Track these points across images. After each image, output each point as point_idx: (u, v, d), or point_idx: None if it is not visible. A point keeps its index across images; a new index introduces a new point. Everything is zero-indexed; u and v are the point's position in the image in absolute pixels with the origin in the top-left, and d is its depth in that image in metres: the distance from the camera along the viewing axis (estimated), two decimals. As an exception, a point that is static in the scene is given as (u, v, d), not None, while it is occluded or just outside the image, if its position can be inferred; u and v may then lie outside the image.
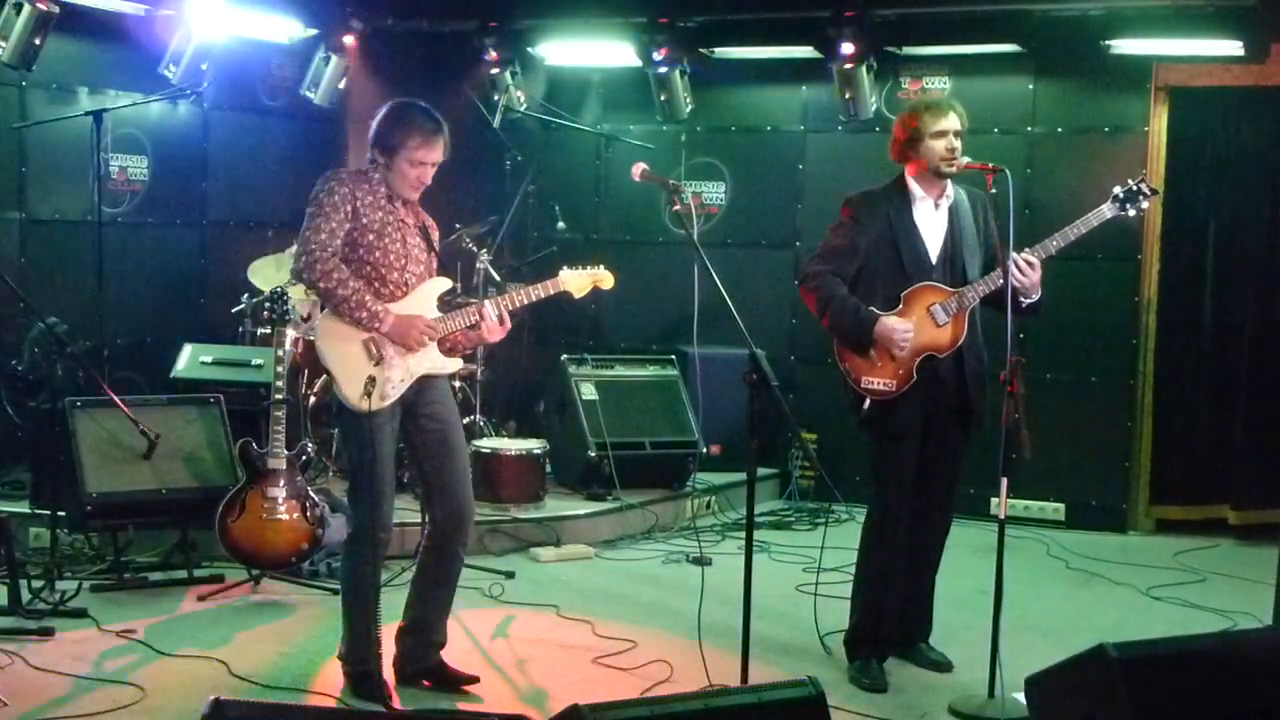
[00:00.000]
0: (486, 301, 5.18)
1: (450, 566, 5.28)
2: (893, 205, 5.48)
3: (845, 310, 5.38)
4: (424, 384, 5.13)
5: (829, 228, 5.64)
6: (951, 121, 5.38)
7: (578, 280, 5.38)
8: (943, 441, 5.57)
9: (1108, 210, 5.44)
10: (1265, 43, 7.94)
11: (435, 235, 5.30)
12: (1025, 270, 5.31)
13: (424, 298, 5.16)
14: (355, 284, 4.96)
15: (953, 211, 5.51)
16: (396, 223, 5.09)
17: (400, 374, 5.06)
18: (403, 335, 5.02)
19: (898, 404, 5.42)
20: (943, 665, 5.73)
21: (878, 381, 5.40)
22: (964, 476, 5.77)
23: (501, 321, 5.15)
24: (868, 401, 5.44)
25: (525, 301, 5.25)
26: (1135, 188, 5.44)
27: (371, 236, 5.02)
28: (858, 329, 5.36)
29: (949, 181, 5.51)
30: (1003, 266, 5.33)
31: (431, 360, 5.14)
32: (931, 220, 5.49)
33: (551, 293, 5.32)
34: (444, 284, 5.25)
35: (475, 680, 5.29)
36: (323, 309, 5.10)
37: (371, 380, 4.93)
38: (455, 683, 5.28)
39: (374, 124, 5.12)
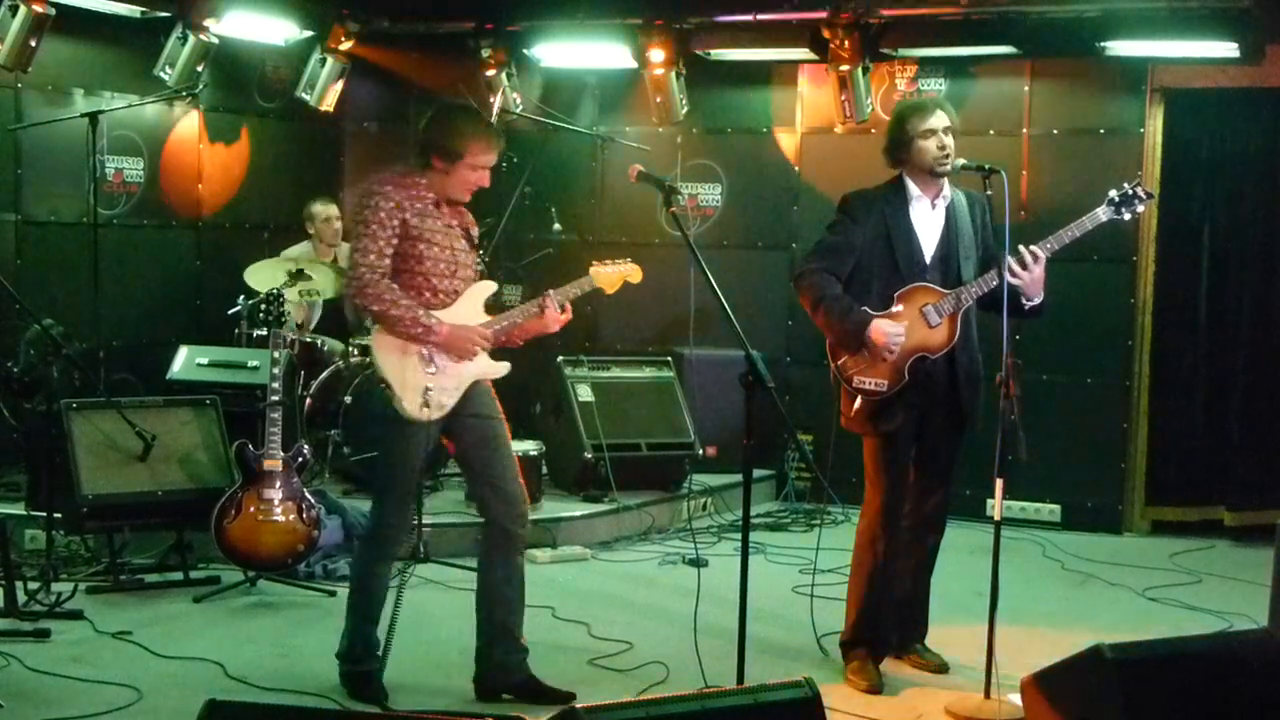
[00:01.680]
0: (550, 293, 5.19)
1: (515, 561, 5.25)
2: (889, 205, 5.46)
3: (838, 310, 5.37)
4: (470, 387, 5.15)
5: (826, 226, 5.63)
6: (939, 119, 5.37)
7: (609, 277, 5.38)
8: (937, 443, 5.57)
9: (1102, 214, 5.41)
10: (1261, 45, 7.95)
11: (475, 233, 5.28)
12: (1029, 265, 5.30)
13: (473, 303, 5.17)
14: (407, 301, 4.96)
15: (950, 212, 5.48)
16: (444, 228, 5.08)
17: (454, 381, 5.08)
18: (458, 346, 5.04)
19: (889, 404, 5.41)
20: (939, 666, 5.73)
21: (870, 381, 5.40)
22: (959, 478, 5.78)
23: (563, 310, 5.20)
24: (859, 401, 5.44)
25: (566, 299, 5.25)
26: (1131, 191, 5.41)
27: (422, 246, 5.01)
28: (850, 329, 5.34)
29: (945, 182, 5.50)
30: (999, 268, 5.32)
31: (482, 366, 5.17)
32: (928, 220, 5.47)
33: (587, 290, 5.32)
34: (490, 287, 5.25)
35: (572, 696, 5.14)
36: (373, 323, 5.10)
37: (428, 390, 4.97)
38: (550, 699, 5.12)
39: (427, 129, 5.07)
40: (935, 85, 8.84)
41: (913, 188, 5.49)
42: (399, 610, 5.25)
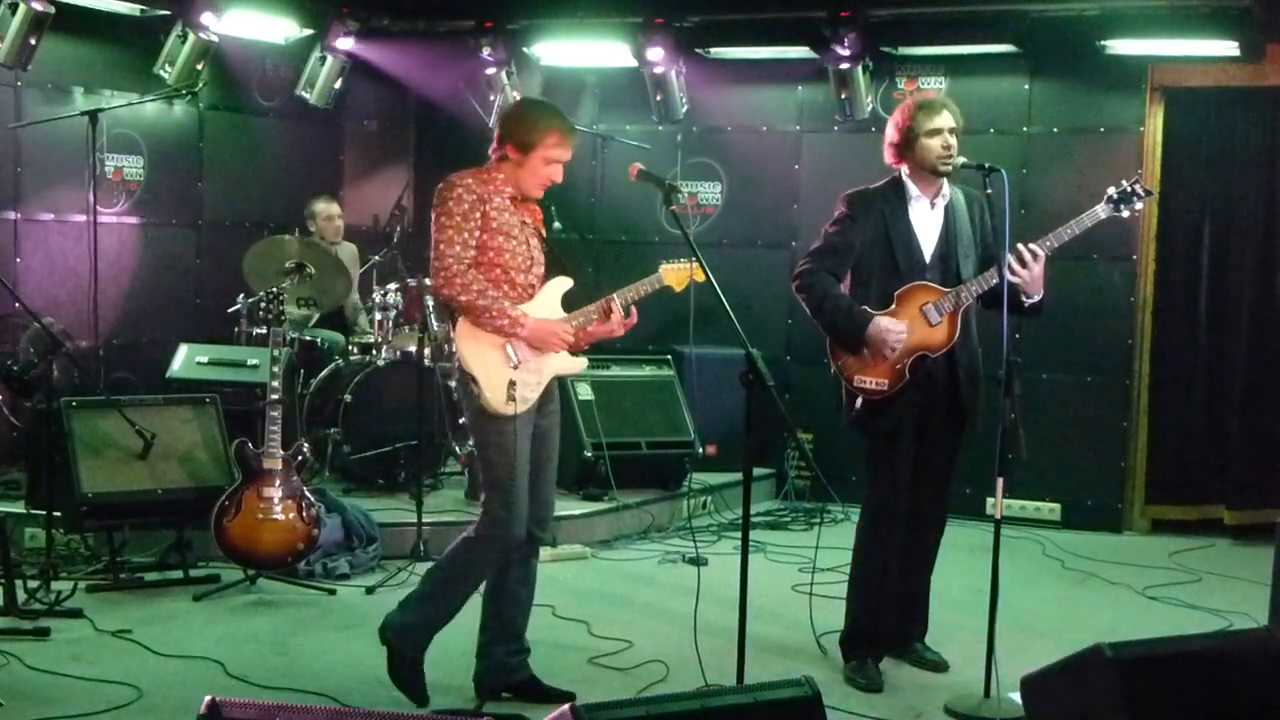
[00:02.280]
0: (614, 296, 5.17)
1: (532, 564, 5.26)
2: (888, 204, 5.46)
3: (838, 309, 5.38)
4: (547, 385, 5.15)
5: (825, 225, 5.62)
6: (945, 119, 5.37)
7: (677, 274, 5.32)
8: (937, 442, 5.56)
9: (1101, 211, 5.40)
10: (1260, 43, 7.95)
11: (544, 231, 5.25)
12: (1028, 262, 5.29)
13: (551, 298, 5.15)
14: (493, 293, 4.94)
15: (949, 211, 5.48)
16: (519, 223, 5.06)
17: (537, 376, 5.06)
18: (543, 340, 5.02)
19: (890, 403, 5.40)
20: (938, 665, 5.73)
21: (870, 381, 5.39)
22: (959, 476, 5.78)
23: (627, 313, 5.17)
24: (860, 401, 5.44)
25: (635, 298, 5.21)
26: (1130, 189, 5.40)
27: (501, 239, 4.98)
28: (850, 328, 5.35)
29: (945, 181, 5.49)
30: (999, 266, 5.32)
31: (563, 362, 5.16)
32: (927, 220, 5.47)
33: (655, 288, 5.26)
34: (567, 283, 5.22)
35: (572, 697, 5.12)
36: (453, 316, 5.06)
37: (513, 384, 4.95)
38: (549, 698, 5.13)
39: (505, 121, 5.07)
40: (935, 84, 8.84)
41: (912, 187, 5.48)
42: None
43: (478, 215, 4.95)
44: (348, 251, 9.01)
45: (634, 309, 5.20)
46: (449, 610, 5.16)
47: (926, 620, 5.84)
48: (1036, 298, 5.41)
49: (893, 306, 5.39)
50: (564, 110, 5.15)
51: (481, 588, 5.23)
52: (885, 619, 5.62)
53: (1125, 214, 5.46)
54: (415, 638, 5.15)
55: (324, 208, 8.93)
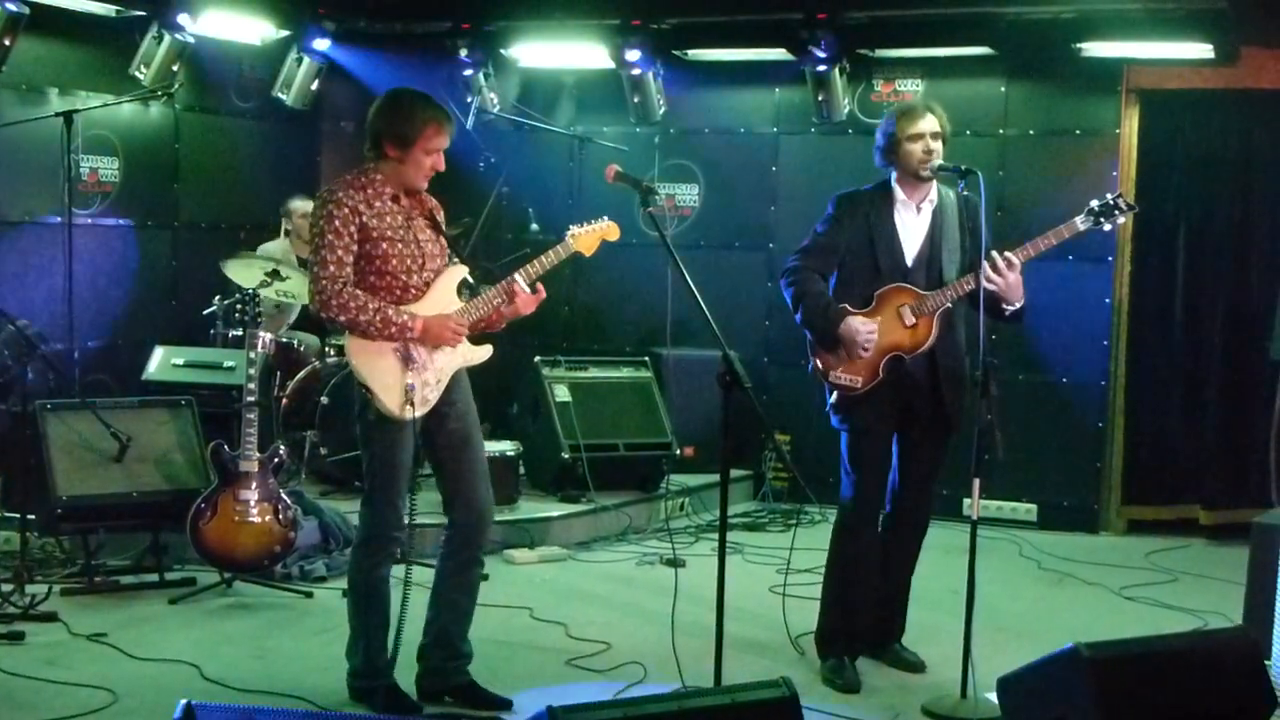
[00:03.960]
0: (516, 274, 5.10)
1: (472, 571, 5.22)
2: (874, 206, 5.54)
3: (815, 307, 5.46)
4: (451, 380, 5.08)
5: (816, 224, 5.68)
6: (928, 124, 5.42)
7: (587, 239, 5.28)
8: (919, 444, 5.60)
9: (1080, 223, 5.42)
10: (1235, 45, 7.99)
11: (441, 216, 5.18)
12: (1003, 270, 5.32)
13: (444, 291, 5.09)
14: (374, 304, 4.88)
15: (937, 215, 5.54)
16: (406, 222, 5.00)
17: (435, 375, 5.01)
18: (436, 337, 4.96)
19: (865, 401, 5.48)
20: (916, 665, 5.75)
21: (844, 377, 5.47)
22: (941, 479, 5.80)
23: (535, 290, 5.11)
24: (834, 396, 5.51)
25: (542, 269, 5.13)
26: (1112, 202, 5.44)
27: (385, 245, 4.93)
28: (825, 325, 5.43)
29: (934, 185, 5.54)
30: (976, 271, 5.34)
31: (462, 354, 5.09)
32: (912, 223, 5.53)
33: (565, 256, 5.20)
34: (460, 272, 5.16)
35: (508, 704, 5.15)
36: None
37: (410, 388, 4.91)
38: (487, 704, 5.15)
39: (376, 118, 4.99)
40: (912, 86, 8.85)
41: (899, 190, 5.54)
42: (404, 614, 5.12)
43: (353, 228, 4.88)
44: None
45: (540, 286, 5.13)
46: (383, 624, 5.11)
47: (904, 621, 5.86)
48: (1017, 305, 5.43)
49: (871, 306, 5.46)
50: (433, 96, 5.06)
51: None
52: (860, 616, 5.65)
53: (1106, 228, 5.51)
54: (378, 664, 5.13)
55: (300, 206, 8.90)
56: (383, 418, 4.93)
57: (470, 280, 5.21)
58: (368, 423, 4.98)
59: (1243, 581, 5.94)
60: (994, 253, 5.35)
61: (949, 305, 5.45)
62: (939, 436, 5.61)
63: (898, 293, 5.46)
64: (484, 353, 5.19)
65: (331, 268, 4.86)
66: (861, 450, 5.54)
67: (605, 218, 5.35)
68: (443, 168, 5.05)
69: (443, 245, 5.15)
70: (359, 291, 4.90)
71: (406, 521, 5.13)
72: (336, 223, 4.87)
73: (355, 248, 4.90)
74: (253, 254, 8.08)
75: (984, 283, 5.32)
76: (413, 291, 5.01)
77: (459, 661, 5.23)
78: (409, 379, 4.93)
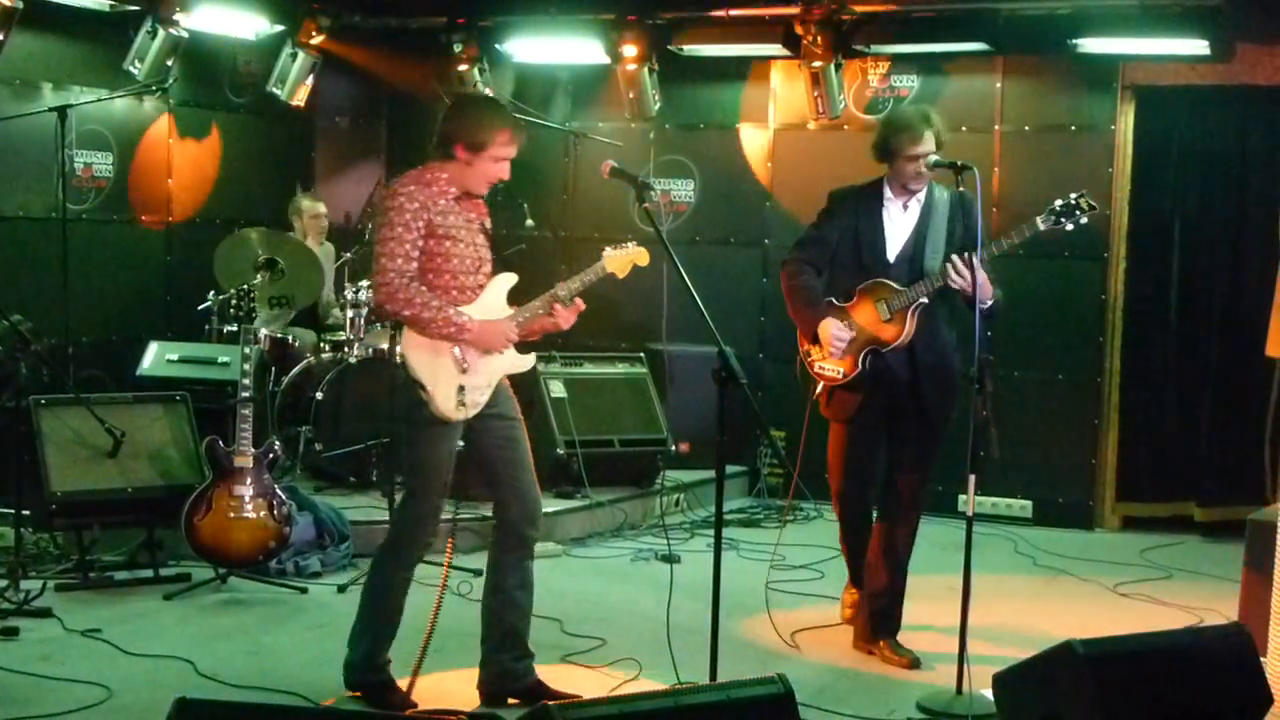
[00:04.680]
0: (559, 287, 5.12)
1: (529, 565, 5.20)
2: (863, 203, 5.72)
3: (803, 302, 5.73)
4: (496, 385, 5.12)
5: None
6: (926, 145, 5.56)
7: (620, 261, 5.28)
8: (907, 434, 5.75)
9: (1041, 222, 5.54)
10: (1231, 42, 7.99)
11: (489, 226, 5.20)
12: (962, 270, 5.44)
13: (496, 296, 5.12)
14: (436, 302, 4.91)
15: (924, 212, 5.68)
16: (465, 223, 5.02)
17: (485, 379, 5.03)
18: (490, 341, 4.99)
19: (846, 391, 5.71)
20: (911, 662, 5.75)
21: (827, 368, 5.72)
22: (932, 477, 5.82)
23: (571, 303, 5.13)
24: (820, 387, 5.75)
25: (581, 287, 5.16)
26: (1074, 202, 5.54)
27: (448, 244, 4.95)
28: (807, 321, 5.71)
29: (927, 183, 5.68)
30: (966, 265, 5.43)
31: (510, 361, 5.13)
32: (899, 219, 5.69)
33: (599, 276, 5.20)
34: (511, 279, 5.19)
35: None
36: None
37: (462, 389, 4.93)
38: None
39: (450, 120, 5.02)
40: (908, 82, 8.85)
41: (888, 189, 5.71)
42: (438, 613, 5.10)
43: (420, 224, 4.91)
44: (326, 250, 9.03)
45: (579, 299, 5.16)
46: (394, 624, 5.13)
47: (899, 617, 5.88)
48: (987, 304, 5.48)
49: (853, 300, 5.68)
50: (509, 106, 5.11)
51: (479, 594, 5.22)
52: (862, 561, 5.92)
53: (1069, 227, 5.59)
54: (375, 660, 5.12)
55: (310, 205, 8.93)
56: (433, 418, 4.94)
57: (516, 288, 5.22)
58: (418, 422, 4.98)
59: (1237, 578, 5.95)
60: (953, 254, 5.49)
61: (923, 302, 5.58)
62: (925, 431, 5.72)
63: (876, 288, 5.65)
64: (529, 361, 5.25)
65: (399, 261, 4.88)
66: (845, 440, 5.76)
67: (634, 242, 5.33)
68: (507, 177, 5.09)
69: (489, 253, 5.17)
70: (424, 287, 4.92)
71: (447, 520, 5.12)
72: (407, 215, 4.90)
73: (421, 243, 4.92)
74: (240, 235, 8.00)
75: (952, 281, 5.46)
76: (468, 293, 5.03)
77: (527, 661, 5.20)
78: (462, 380, 4.94)
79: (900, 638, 5.86)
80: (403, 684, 5.08)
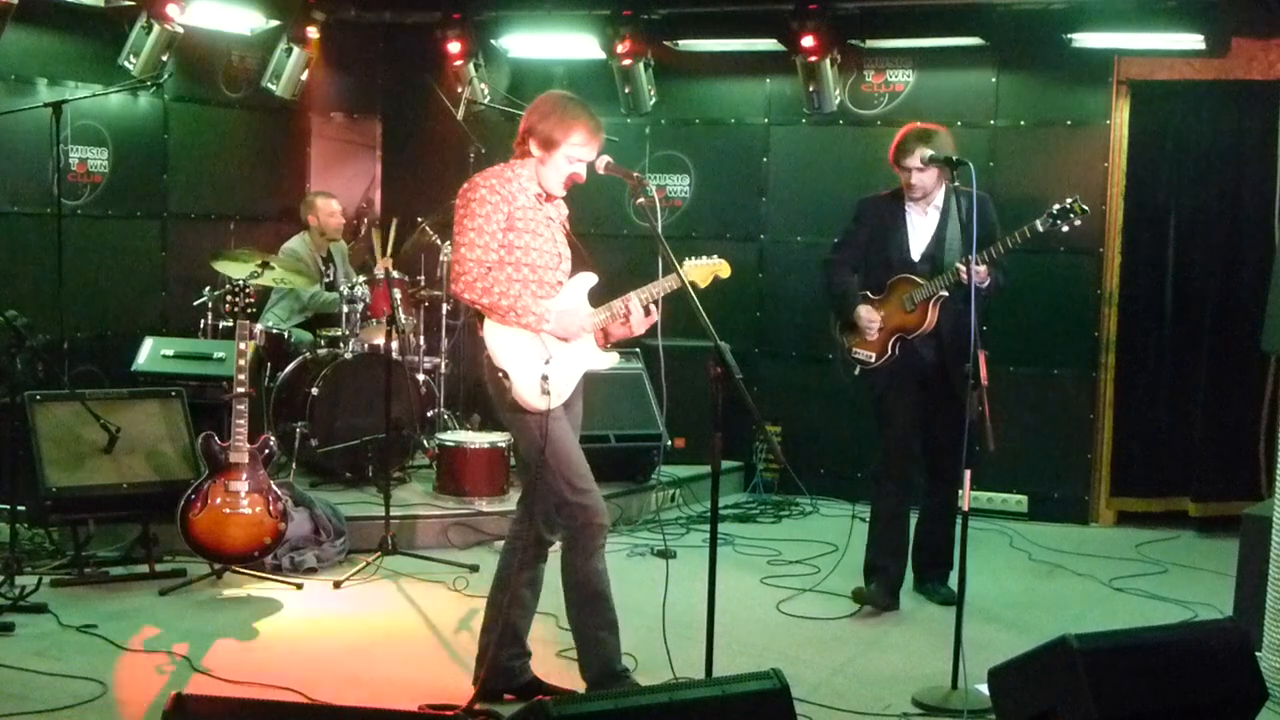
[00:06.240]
0: (632, 295, 5.11)
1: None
2: (887, 209, 6.48)
3: (842, 295, 6.53)
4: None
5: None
6: (913, 161, 6.21)
7: (701, 272, 5.30)
8: (937, 410, 6.38)
9: (1040, 225, 6.07)
10: (1226, 36, 7.99)
11: (567, 226, 5.20)
12: (963, 278, 5.89)
13: (576, 293, 5.12)
14: (514, 291, 4.90)
15: (944, 216, 6.36)
16: (545, 220, 5.03)
17: (569, 370, 5.02)
18: (568, 329, 4.98)
19: (880, 372, 6.45)
20: (946, 601, 6.39)
21: (862, 352, 6.48)
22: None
23: (648, 312, 5.11)
24: (858, 369, 6.50)
25: (656, 295, 5.13)
26: (1068, 207, 6.06)
27: (528, 237, 4.95)
28: (845, 311, 6.50)
29: (942, 190, 6.32)
30: (964, 261, 5.69)
31: (594, 357, 5.12)
32: (920, 223, 6.42)
33: (676, 287, 5.09)
34: (591, 279, 5.19)
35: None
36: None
37: (546, 379, 4.91)
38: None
39: (529, 115, 5.03)
40: (903, 77, 8.85)
41: (907, 195, 6.40)
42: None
43: (501, 216, 4.91)
44: (340, 248, 9.10)
45: (654, 309, 5.13)
46: (521, 619, 5.14)
47: (947, 563, 6.56)
48: (985, 283, 5.99)
49: (884, 294, 6.42)
50: (588, 106, 5.08)
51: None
52: (892, 552, 6.45)
53: (1064, 229, 6.12)
54: (502, 661, 5.12)
55: (325, 204, 9.00)
56: (519, 407, 4.92)
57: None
58: (512, 415, 4.96)
59: (1232, 573, 5.96)
60: (958, 263, 6.04)
61: (943, 294, 6.25)
62: (956, 399, 6.02)
63: (902, 283, 6.38)
64: (611, 358, 5.22)
65: (479, 250, 4.88)
66: (883, 412, 6.47)
67: (717, 256, 5.35)
68: (583, 179, 5.08)
69: (571, 250, 5.17)
70: (501, 277, 4.91)
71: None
72: (488, 206, 4.91)
73: (500, 235, 4.91)
74: (241, 252, 8.02)
75: (963, 278, 5.89)
76: (547, 288, 5.03)
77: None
78: (545, 369, 4.93)
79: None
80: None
